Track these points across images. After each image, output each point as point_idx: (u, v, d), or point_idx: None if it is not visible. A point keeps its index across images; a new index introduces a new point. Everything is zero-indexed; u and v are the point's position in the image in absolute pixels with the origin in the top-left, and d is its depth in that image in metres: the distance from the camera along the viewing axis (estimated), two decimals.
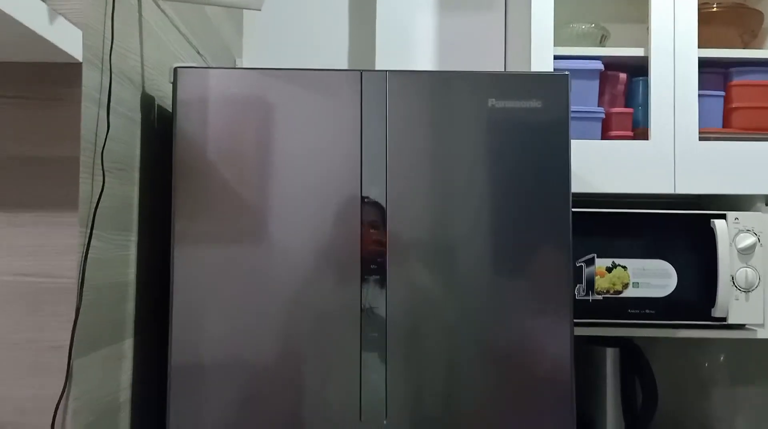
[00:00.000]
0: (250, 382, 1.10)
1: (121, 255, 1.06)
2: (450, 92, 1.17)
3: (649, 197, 1.71)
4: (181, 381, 1.10)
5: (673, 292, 1.58)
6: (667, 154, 1.61)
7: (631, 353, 1.75)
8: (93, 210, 0.94)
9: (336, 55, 1.96)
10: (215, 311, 1.11)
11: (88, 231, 0.92)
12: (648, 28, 1.63)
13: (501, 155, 1.17)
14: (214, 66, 1.52)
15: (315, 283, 1.12)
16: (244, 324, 1.11)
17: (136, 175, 1.13)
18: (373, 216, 1.14)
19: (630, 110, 1.69)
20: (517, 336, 1.16)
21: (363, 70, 1.16)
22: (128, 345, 1.10)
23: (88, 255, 0.91)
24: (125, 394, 1.09)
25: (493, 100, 1.17)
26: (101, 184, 0.96)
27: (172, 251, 1.11)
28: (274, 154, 1.14)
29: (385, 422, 1.13)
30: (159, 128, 1.23)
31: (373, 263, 1.14)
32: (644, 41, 1.66)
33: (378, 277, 1.14)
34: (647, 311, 1.59)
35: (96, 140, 0.95)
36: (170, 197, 1.12)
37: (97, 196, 0.95)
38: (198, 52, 1.45)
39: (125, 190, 1.08)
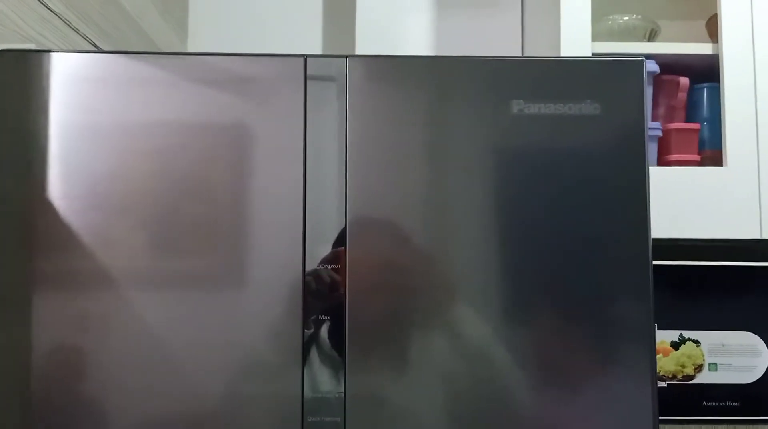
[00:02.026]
0: None
1: None
2: (450, 92, 0.73)
3: (725, 244, 1.29)
4: None
5: (763, 375, 1.19)
6: (750, 186, 1.21)
7: None
8: None
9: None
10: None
11: None
12: (717, 21, 1.25)
13: (533, 195, 0.73)
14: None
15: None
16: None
17: None
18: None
19: (696, 126, 1.29)
20: None
21: (308, 56, 0.72)
22: None
23: None
24: None
25: (521, 102, 0.73)
26: None
27: None
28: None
29: None
30: None
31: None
32: (701, 40, 1.32)
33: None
34: (729, 404, 1.20)
35: None
36: None
37: None
38: (90, 41, 1.01)
39: None
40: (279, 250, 0.71)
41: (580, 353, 0.75)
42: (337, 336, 0.71)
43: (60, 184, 0.71)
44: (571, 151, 0.72)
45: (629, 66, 0.74)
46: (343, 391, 0.70)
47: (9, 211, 0.71)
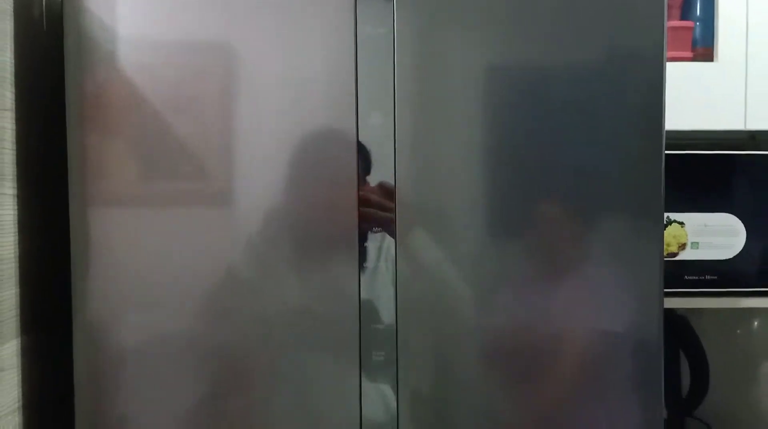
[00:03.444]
0: (189, 393, 0.76)
1: None
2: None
3: (712, 136, 1.38)
4: (92, 392, 0.76)
5: (740, 253, 1.29)
6: (737, 80, 1.29)
7: (677, 327, 1.46)
8: None
9: None
10: (136, 301, 0.76)
11: None
12: None
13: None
14: None
15: (283, 263, 0.77)
16: (175, 322, 0.76)
17: (9, 94, 0.75)
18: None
19: (690, 24, 1.35)
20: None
21: None
22: (11, 350, 0.74)
23: None
24: (11, 422, 0.74)
25: None
26: None
27: (71, 219, 0.74)
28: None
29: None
30: (50, 31, 0.84)
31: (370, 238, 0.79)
32: None
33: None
34: (707, 277, 1.30)
35: None
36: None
37: None
38: None
39: None
40: None
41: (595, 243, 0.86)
42: None
43: None
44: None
45: None
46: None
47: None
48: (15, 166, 0.76)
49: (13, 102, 0.75)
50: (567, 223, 0.85)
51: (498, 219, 0.84)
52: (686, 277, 1.30)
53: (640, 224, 0.87)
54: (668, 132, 1.30)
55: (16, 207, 0.75)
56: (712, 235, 1.29)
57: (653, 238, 0.88)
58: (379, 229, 0.79)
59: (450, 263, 0.81)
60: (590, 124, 0.84)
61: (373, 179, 0.79)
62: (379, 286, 0.79)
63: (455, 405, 0.82)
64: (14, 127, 0.75)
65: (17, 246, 0.75)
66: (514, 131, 0.83)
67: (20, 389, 0.76)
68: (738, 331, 1.64)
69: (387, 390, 0.79)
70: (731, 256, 1.29)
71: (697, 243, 1.30)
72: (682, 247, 1.30)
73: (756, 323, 1.64)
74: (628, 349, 0.86)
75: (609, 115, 0.84)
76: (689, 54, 1.35)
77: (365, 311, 0.79)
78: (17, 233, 0.75)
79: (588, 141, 0.84)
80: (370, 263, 0.79)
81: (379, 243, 0.79)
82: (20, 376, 0.76)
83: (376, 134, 0.78)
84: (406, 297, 0.79)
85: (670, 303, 1.32)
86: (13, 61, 0.76)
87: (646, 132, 0.88)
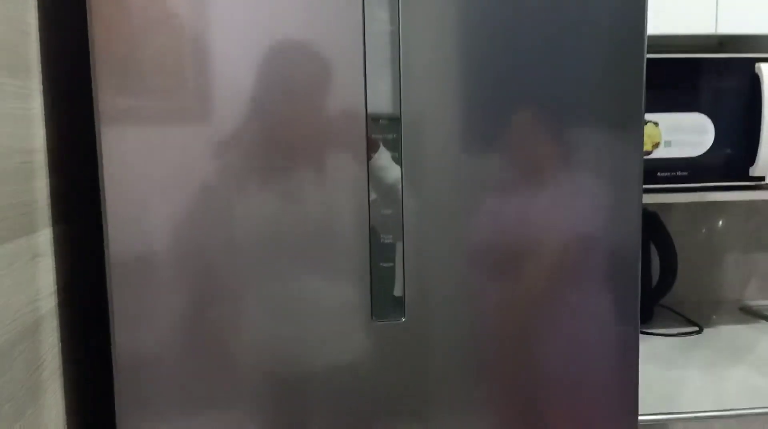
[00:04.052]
0: (217, 274, 0.81)
1: (19, 108, 0.72)
2: None
3: (684, 41, 1.44)
4: (125, 280, 0.80)
5: (708, 150, 1.38)
6: None
7: (648, 221, 1.55)
8: None
9: None
10: (159, 196, 0.79)
11: None
12: None
13: None
14: None
15: (291, 156, 0.82)
16: (195, 210, 0.80)
17: None
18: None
19: None
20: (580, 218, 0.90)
21: None
22: (45, 238, 0.79)
23: None
24: (48, 304, 0.79)
25: None
26: None
27: (97, 127, 0.76)
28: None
29: (403, 319, 0.87)
30: None
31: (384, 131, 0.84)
32: None
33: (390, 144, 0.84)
34: (679, 173, 1.38)
35: None
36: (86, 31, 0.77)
37: None
38: None
39: (13, 7, 0.72)
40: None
41: (577, 149, 0.89)
42: None
43: None
44: None
45: None
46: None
47: None
48: (41, 63, 0.78)
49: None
50: (546, 130, 0.88)
51: (478, 129, 0.86)
52: (659, 173, 1.37)
53: (621, 129, 0.91)
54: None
55: (41, 101, 0.78)
56: (684, 133, 1.36)
57: (634, 142, 0.91)
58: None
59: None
60: (569, 30, 0.87)
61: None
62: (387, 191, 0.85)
63: (446, 299, 0.88)
64: (37, 21, 0.78)
65: (46, 139, 0.79)
66: (492, 39, 0.85)
67: (55, 274, 0.81)
68: (704, 227, 1.76)
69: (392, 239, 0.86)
70: (701, 153, 1.36)
71: (670, 141, 1.37)
72: (656, 145, 1.37)
73: (722, 220, 1.76)
74: (608, 249, 0.92)
75: (588, 19, 0.87)
76: None
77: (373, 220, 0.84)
78: (45, 126, 0.79)
79: (568, 47, 0.87)
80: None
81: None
82: (55, 262, 0.81)
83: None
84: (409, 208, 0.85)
85: (644, 199, 1.41)
86: None
87: (626, 37, 0.90)
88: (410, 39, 0.83)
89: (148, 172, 0.78)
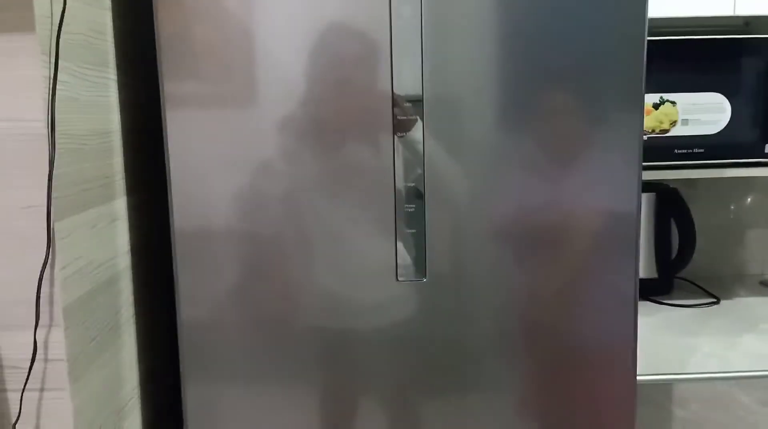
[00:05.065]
0: (264, 244, 0.94)
1: (99, 96, 0.86)
2: None
3: (702, 22, 1.49)
4: (187, 246, 0.93)
5: (725, 128, 1.43)
6: None
7: (668, 197, 1.62)
8: (56, 32, 0.73)
9: None
10: (217, 172, 0.92)
11: (52, 59, 0.72)
12: None
13: None
14: None
15: (333, 134, 0.93)
16: (251, 185, 0.93)
17: None
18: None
19: None
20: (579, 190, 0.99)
21: None
22: (121, 205, 0.93)
23: (56, 91, 0.72)
24: (124, 261, 0.94)
25: None
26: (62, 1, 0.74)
27: (163, 112, 0.90)
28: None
29: (424, 280, 0.99)
30: None
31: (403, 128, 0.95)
32: None
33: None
34: (695, 150, 1.44)
35: None
36: (152, 27, 0.90)
37: (59, 17, 0.74)
38: None
39: (94, 13, 0.86)
40: None
41: (580, 123, 0.96)
42: None
43: None
44: None
45: None
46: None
47: None
48: (116, 57, 0.93)
49: (110, 2, 0.91)
50: (565, 111, 0.96)
51: (504, 108, 0.94)
52: (676, 151, 1.44)
53: (622, 107, 0.97)
54: (663, 19, 1.43)
55: (116, 90, 0.93)
56: (701, 112, 1.42)
57: (635, 118, 0.97)
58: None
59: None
60: (585, 15, 0.94)
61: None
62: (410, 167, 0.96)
63: (472, 275, 0.98)
64: (112, 21, 0.92)
65: (120, 123, 0.93)
66: (521, 24, 0.93)
67: (130, 236, 0.96)
68: (732, 204, 1.81)
69: (416, 209, 0.96)
70: (717, 131, 1.41)
71: (687, 120, 1.42)
72: (674, 124, 1.43)
73: (750, 197, 1.81)
74: (611, 222, 0.99)
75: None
76: None
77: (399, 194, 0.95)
78: (120, 112, 0.93)
79: (583, 30, 0.94)
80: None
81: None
82: (129, 225, 0.96)
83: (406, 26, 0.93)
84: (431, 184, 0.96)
85: (663, 174, 1.48)
86: None
87: (628, 18, 0.96)
88: (436, 25, 0.92)
89: (207, 151, 0.92)
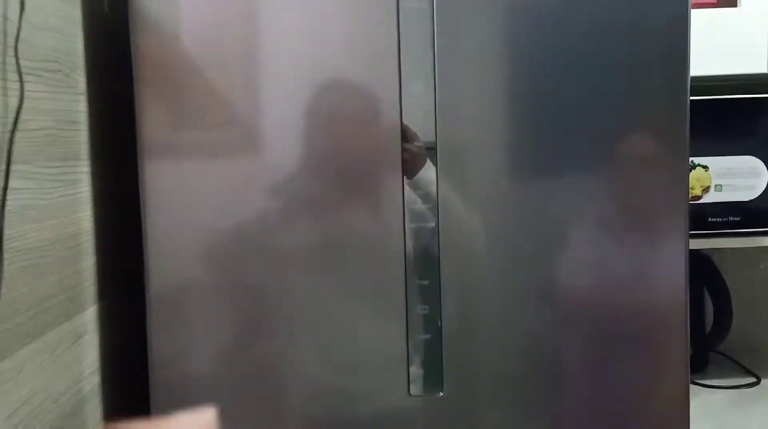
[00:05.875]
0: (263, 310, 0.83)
1: (64, 196, 0.74)
2: None
3: (734, 80, 1.39)
4: (163, 316, 0.82)
5: (762, 193, 1.32)
6: (760, 24, 1.30)
7: (701, 265, 1.50)
8: (9, 133, 0.61)
9: None
10: (194, 236, 0.81)
11: (4, 166, 0.60)
12: None
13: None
14: None
15: (335, 205, 0.82)
16: (251, 239, 0.82)
17: (81, 79, 0.79)
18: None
19: None
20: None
21: None
22: (90, 316, 0.80)
23: (6, 202, 0.60)
24: (90, 382, 0.81)
25: None
26: (18, 92, 0.62)
27: (140, 172, 0.79)
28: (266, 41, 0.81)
29: (441, 394, 0.86)
30: (111, 15, 0.88)
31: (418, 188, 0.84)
32: None
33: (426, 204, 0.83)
34: (731, 219, 1.33)
35: (5, 25, 0.62)
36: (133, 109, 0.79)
37: (14, 112, 0.62)
38: None
39: (64, 102, 0.74)
40: None
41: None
42: None
43: None
44: None
45: None
46: None
47: None
48: (90, 146, 0.81)
49: (85, 86, 0.79)
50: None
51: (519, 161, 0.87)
52: (710, 219, 1.33)
53: (666, 173, 0.91)
54: (693, 78, 1.34)
55: (90, 183, 0.81)
56: (735, 177, 1.32)
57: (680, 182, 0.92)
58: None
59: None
60: (613, 74, 0.87)
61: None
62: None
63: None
64: (87, 108, 0.80)
65: (93, 219, 0.81)
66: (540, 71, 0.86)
67: (99, 351, 0.83)
68: (761, 267, 1.69)
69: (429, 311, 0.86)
70: (754, 197, 1.31)
71: (721, 185, 1.32)
72: (706, 190, 1.33)
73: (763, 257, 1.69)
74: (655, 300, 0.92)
75: (632, 63, 0.88)
76: (713, 0, 1.36)
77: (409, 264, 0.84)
78: (93, 207, 0.81)
79: (610, 91, 0.87)
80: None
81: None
82: (99, 337, 0.83)
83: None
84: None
85: (695, 244, 1.37)
86: (82, 47, 0.80)
87: (670, 78, 0.92)
88: (447, 69, 0.83)
89: (183, 214, 0.81)
